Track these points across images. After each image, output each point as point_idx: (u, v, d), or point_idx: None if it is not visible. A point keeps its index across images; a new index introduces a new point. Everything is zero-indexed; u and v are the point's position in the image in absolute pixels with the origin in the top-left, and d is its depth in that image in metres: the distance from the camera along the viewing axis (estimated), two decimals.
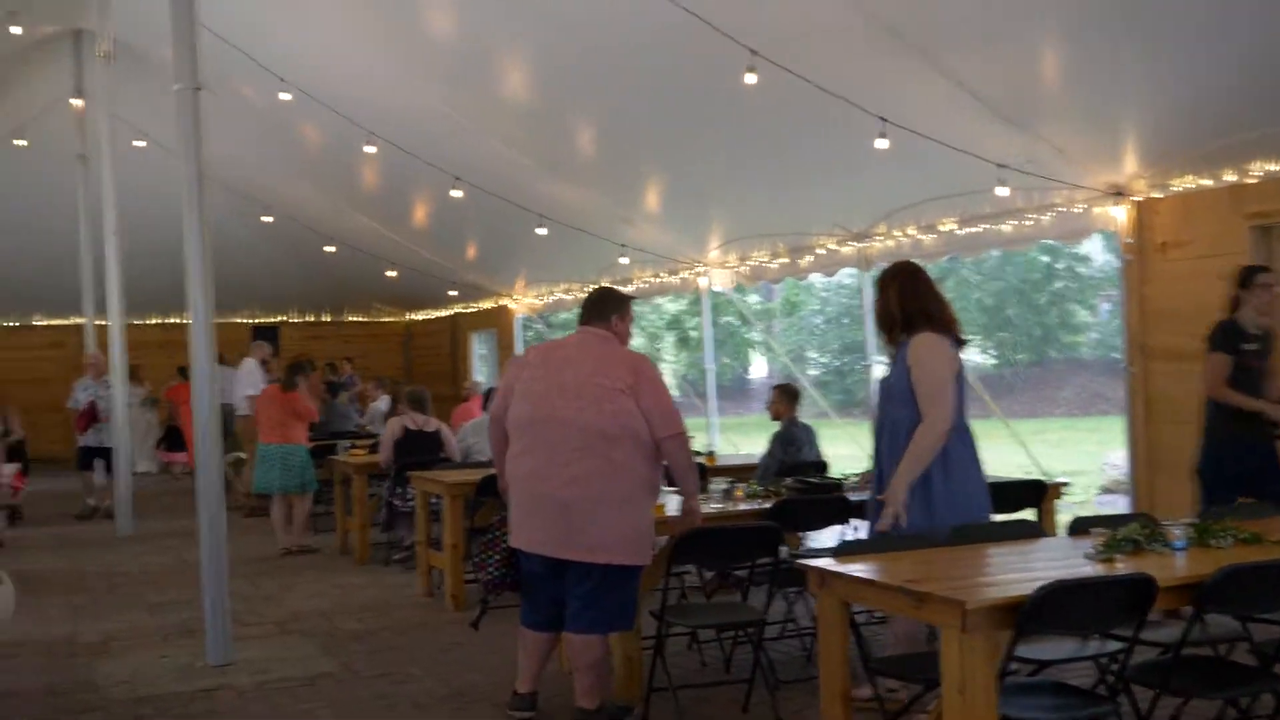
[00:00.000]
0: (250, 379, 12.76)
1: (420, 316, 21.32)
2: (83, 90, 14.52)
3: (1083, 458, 17.39)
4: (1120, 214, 7.80)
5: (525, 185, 11.89)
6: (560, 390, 4.63)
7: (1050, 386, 30.05)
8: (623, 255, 12.49)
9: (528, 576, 4.82)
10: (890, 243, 9.74)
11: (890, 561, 3.85)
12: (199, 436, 6.18)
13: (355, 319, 22.11)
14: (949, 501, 4.58)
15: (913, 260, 5.04)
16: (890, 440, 4.69)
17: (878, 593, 3.60)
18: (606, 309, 4.87)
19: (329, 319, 21.93)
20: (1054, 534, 6.03)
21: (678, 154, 10.39)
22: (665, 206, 11.83)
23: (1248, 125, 6.70)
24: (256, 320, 20.94)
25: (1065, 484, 6.37)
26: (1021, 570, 3.64)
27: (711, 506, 5.69)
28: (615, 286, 5.19)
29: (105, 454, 11.98)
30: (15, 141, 14.77)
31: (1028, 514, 6.09)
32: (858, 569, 3.73)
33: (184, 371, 16.27)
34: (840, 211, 9.92)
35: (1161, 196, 7.60)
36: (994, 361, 33.14)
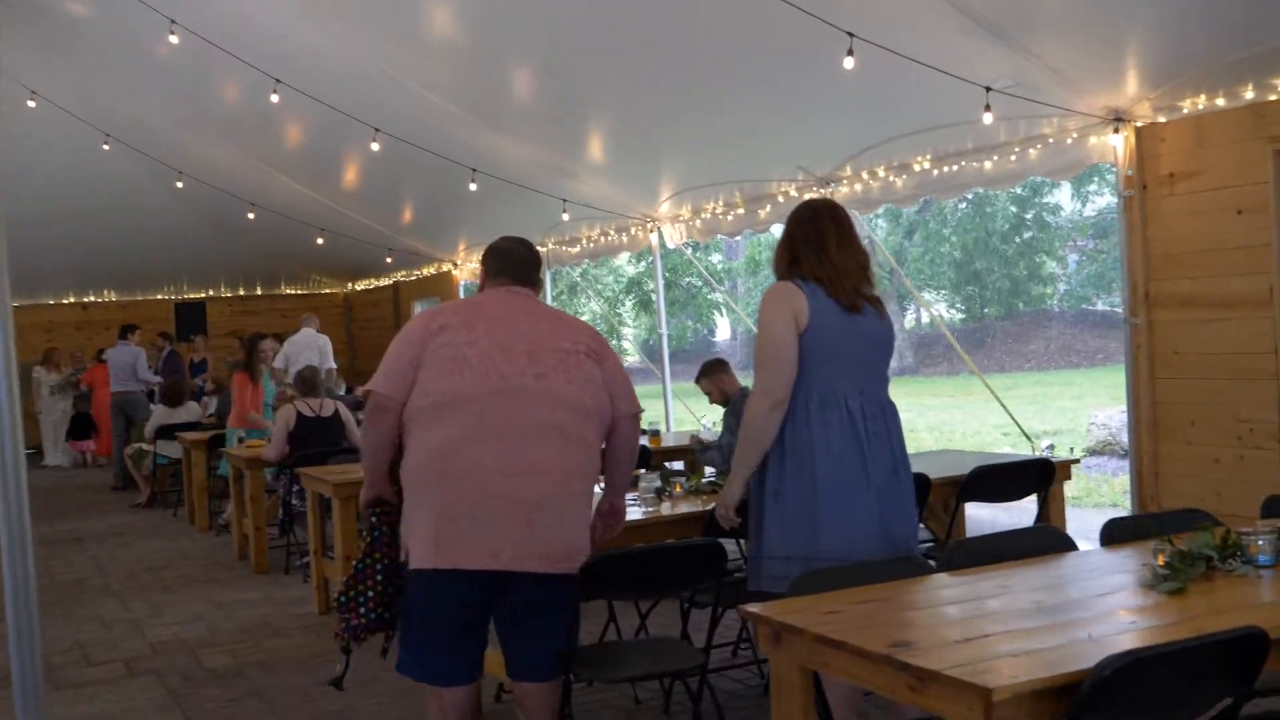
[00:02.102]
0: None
1: (360, 286, 20.12)
2: None
3: (1059, 415, 16.53)
4: (1119, 143, 6.79)
5: (458, 138, 10.78)
6: (507, 355, 3.51)
7: (1019, 340, 29.24)
8: (565, 211, 11.40)
9: (444, 611, 3.49)
10: (858, 186, 8.72)
11: (874, 603, 2.78)
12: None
13: (292, 291, 20.85)
14: (806, 512, 3.60)
15: (833, 202, 4.01)
16: None
17: (858, 664, 2.46)
18: (535, 268, 3.83)
19: (261, 292, 20.64)
20: (1064, 523, 5.06)
21: (622, 97, 9.34)
22: (610, 157, 10.75)
23: (1273, 30, 5.69)
24: (181, 297, 19.69)
25: (1075, 461, 5.35)
26: (1060, 617, 2.58)
27: (634, 515, 4.47)
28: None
29: None
30: None
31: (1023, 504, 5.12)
32: (826, 623, 2.59)
33: (102, 354, 15.13)
34: (803, 153, 8.89)
35: (1168, 121, 6.60)
36: (962, 316, 32.33)
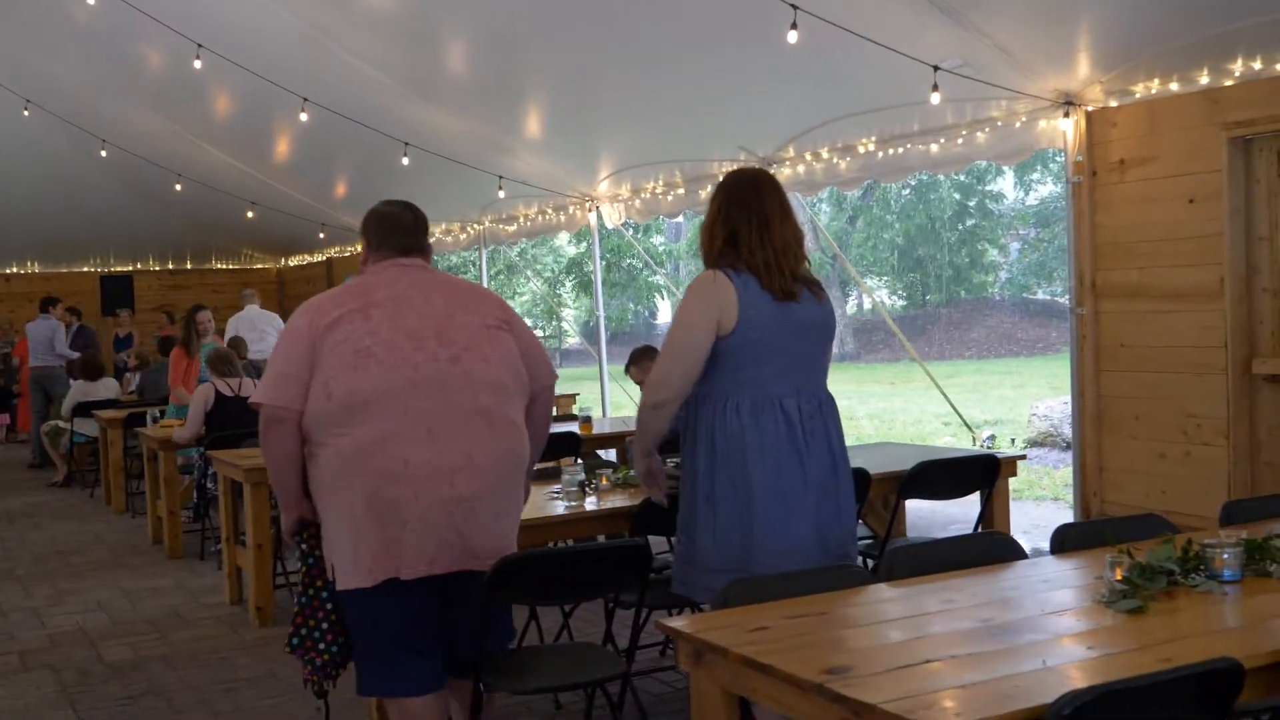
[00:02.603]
0: None
1: (294, 262, 19.60)
2: None
3: (999, 404, 16.46)
4: (1069, 127, 6.59)
5: (391, 110, 10.40)
6: (414, 341, 3.15)
7: (960, 328, 29.29)
8: (501, 189, 11.06)
9: (390, 627, 3.19)
10: (800, 168, 8.47)
11: (808, 618, 2.50)
12: None
13: (223, 266, 20.28)
14: (739, 521, 3.35)
15: (768, 171, 3.68)
16: None
17: (787, 691, 2.16)
18: (421, 233, 3.43)
19: (191, 266, 20.04)
20: (1008, 520, 4.86)
21: (560, 71, 9.02)
22: (548, 132, 10.42)
23: (1229, 13, 5.51)
24: (108, 270, 19.03)
25: (1021, 457, 5.13)
26: (1011, 640, 2.31)
27: (555, 510, 4.14)
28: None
29: None
30: None
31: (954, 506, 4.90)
32: (753, 642, 2.31)
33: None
34: (744, 131, 8.62)
35: (1119, 105, 6.40)
36: (904, 302, 32.35)
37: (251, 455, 5.97)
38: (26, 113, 13.51)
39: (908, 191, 29.66)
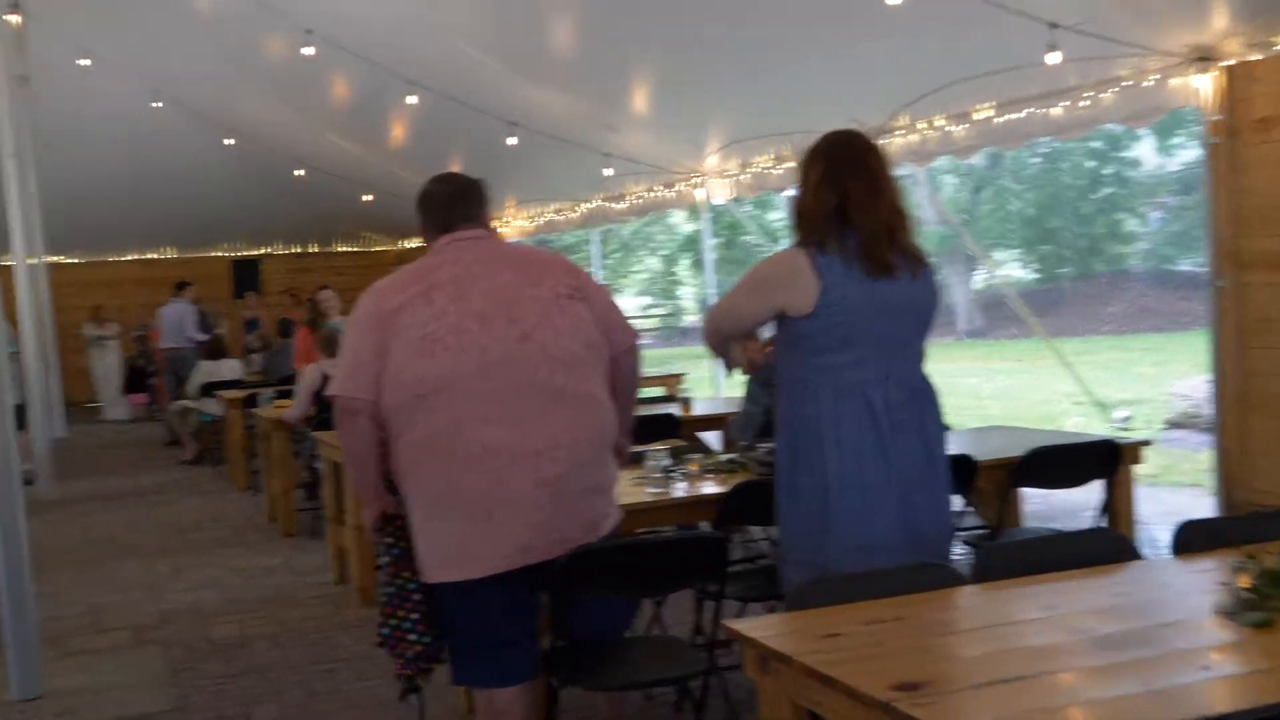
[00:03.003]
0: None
1: (411, 245, 19.81)
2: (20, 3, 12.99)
3: (1138, 383, 15.71)
4: (1205, 85, 6.12)
5: (497, 90, 10.33)
6: (482, 321, 2.98)
7: (1096, 302, 28.17)
8: (608, 167, 10.91)
9: (484, 620, 3.04)
10: (914, 137, 8.11)
11: (885, 624, 2.24)
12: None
13: (345, 249, 20.63)
14: (817, 511, 3.11)
15: (866, 136, 3.30)
16: None
17: (853, 708, 1.92)
18: (478, 202, 3.23)
19: (316, 250, 20.44)
20: (1130, 512, 4.49)
21: (666, 44, 8.79)
22: (654, 108, 10.22)
23: None
24: (238, 254, 19.53)
25: (1146, 443, 4.72)
26: (1119, 654, 2.01)
27: (638, 498, 3.86)
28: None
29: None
30: None
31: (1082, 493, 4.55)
32: (821, 651, 2.07)
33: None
34: (855, 102, 8.27)
35: (1262, 58, 5.91)
36: (1036, 276, 31.28)
37: None
38: (157, 104, 13.87)
39: (1037, 160, 28.61)
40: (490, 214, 3.29)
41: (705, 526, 3.80)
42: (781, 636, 2.19)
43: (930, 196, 28.17)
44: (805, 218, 3.20)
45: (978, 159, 27.71)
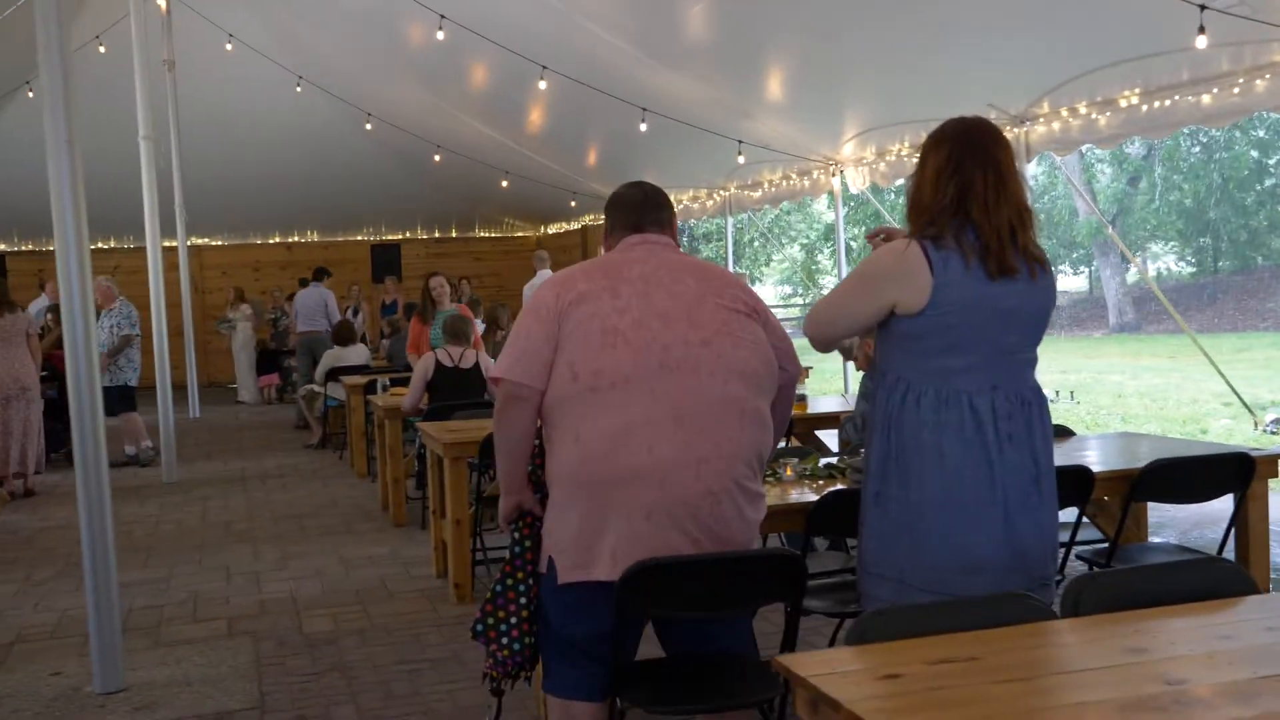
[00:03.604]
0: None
1: (552, 230, 19.94)
2: None
3: None
4: None
5: (629, 75, 10.26)
6: (665, 321, 2.91)
7: (1256, 297, 26.79)
8: (740, 154, 10.74)
9: (595, 627, 2.93)
10: (1055, 125, 7.76)
11: (954, 664, 2.03)
12: (73, 389, 4.73)
13: (485, 234, 20.86)
14: (908, 524, 2.93)
15: (994, 125, 3.08)
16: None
17: None
18: (663, 208, 3.19)
19: (456, 235, 20.71)
20: (1266, 532, 4.19)
21: (800, 28, 8.61)
22: (788, 94, 10.02)
23: None
24: (380, 239, 19.94)
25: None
26: (1220, 712, 1.79)
27: None
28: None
29: (114, 392, 10.19)
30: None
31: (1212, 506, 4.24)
32: (876, 696, 1.88)
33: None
34: (994, 88, 7.96)
35: None
36: (1192, 270, 29.93)
37: (455, 429, 5.92)
38: (299, 89, 14.21)
39: (1197, 149, 27.31)
40: (676, 227, 3.23)
41: (780, 540, 3.61)
42: (834, 677, 2.00)
43: (1083, 186, 27.17)
44: (922, 208, 2.99)
45: (1134, 148, 26.65)
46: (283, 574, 6.69)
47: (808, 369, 9.80)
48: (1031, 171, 32.68)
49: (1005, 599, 2.43)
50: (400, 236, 20.19)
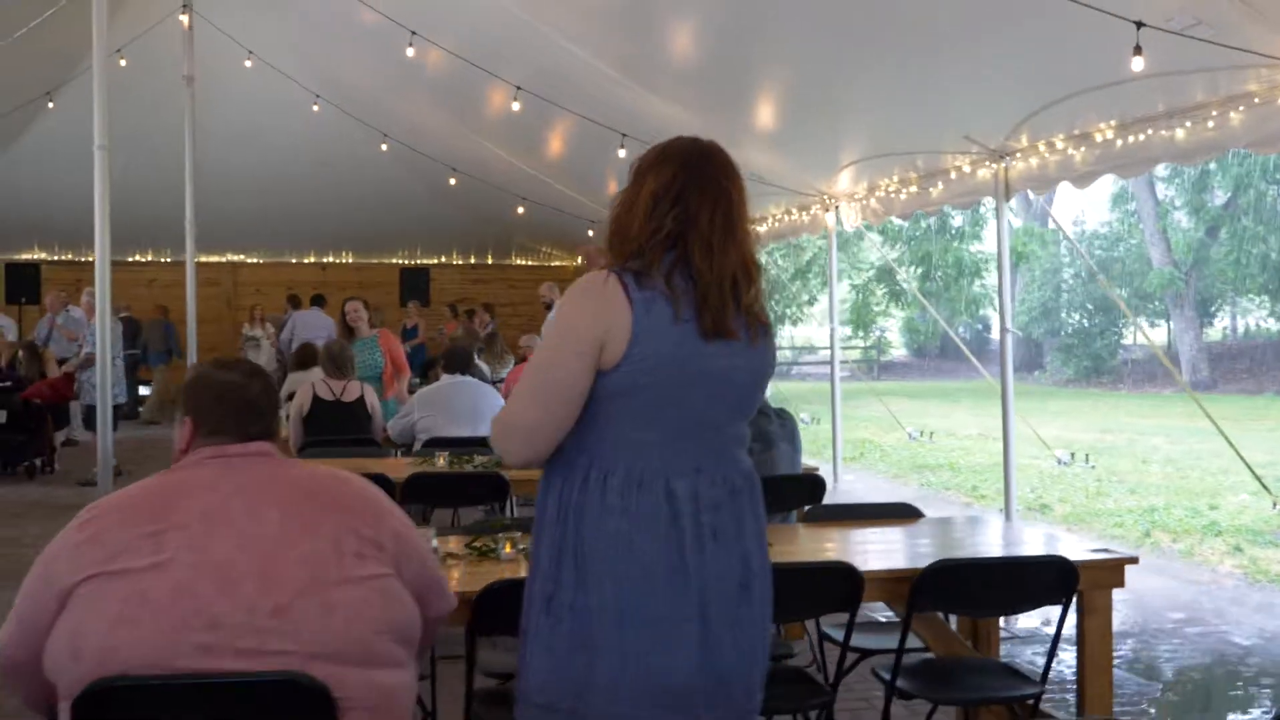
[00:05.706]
0: None
1: (582, 260, 19.54)
2: (190, 3, 13.36)
3: None
4: None
5: (617, 100, 9.82)
6: (222, 582, 2.13)
7: None
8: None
9: None
10: (1033, 160, 7.10)
11: None
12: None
13: (522, 262, 20.53)
14: (584, 640, 2.29)
15: (715, 142, 2.47)
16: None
17: None
18: (272, 410, 2.41)
19: (492, 261, 20.41)
20: (1107, 667, 3.40)
21: (789, 56, 8.01)
22: (779, 124, 9.46)
23: None
24: (413, 263, 19.70)
25: (1130, 560, 3.42)
26: None
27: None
28: None
29: (90, 410, 9.99)
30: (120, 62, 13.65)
31: None
32: None
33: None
34: (971, 118, 7.33)
35: None
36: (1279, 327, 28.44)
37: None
38: (316, 108, 14.01)
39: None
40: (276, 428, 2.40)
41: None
42: None
43: (1157, 235, 25.95)
44: (629, 236, 2.38)
45: (1215, 195, 25.41)
46: None
47: None
48: (1104, 218, 31.35)
49: None
50: (435, 261, 19.96)
